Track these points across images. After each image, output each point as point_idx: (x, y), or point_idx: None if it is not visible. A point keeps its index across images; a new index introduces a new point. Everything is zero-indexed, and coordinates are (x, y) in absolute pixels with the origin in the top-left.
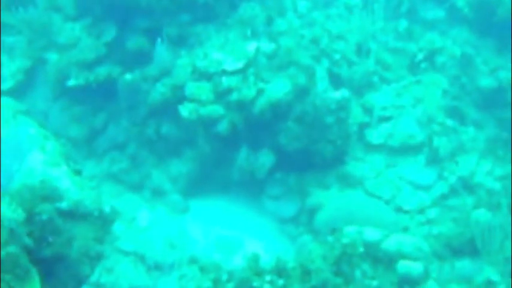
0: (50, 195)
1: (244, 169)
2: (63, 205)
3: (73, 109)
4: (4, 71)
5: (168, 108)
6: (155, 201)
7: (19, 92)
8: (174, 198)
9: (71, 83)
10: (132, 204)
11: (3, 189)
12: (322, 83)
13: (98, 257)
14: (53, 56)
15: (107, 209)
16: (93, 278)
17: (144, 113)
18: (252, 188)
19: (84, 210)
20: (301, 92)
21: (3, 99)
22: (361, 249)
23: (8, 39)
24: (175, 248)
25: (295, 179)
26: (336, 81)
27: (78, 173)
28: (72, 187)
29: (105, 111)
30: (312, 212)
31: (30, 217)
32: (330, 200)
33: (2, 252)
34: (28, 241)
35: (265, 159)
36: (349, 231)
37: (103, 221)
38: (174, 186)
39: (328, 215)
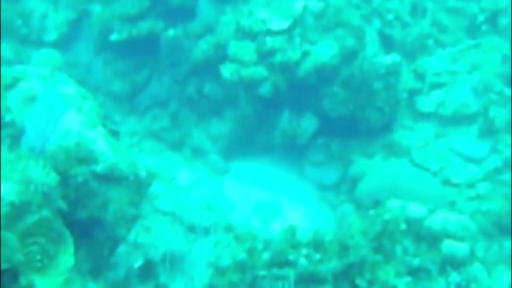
0: (86, 157)
1: (286, 133)
2: (99, 168)
3: (116, 64)
4: (49, 22)
5: (210, 67)
6: (195, 160)
7: (63, 44)
8: (213, 159)
9: (114, 37)
10: (172, 162)
11: (38, 151)
12: (372, 46)
13: (134, 220)
14: (97, 8)
15: (142, 172)
16: (131, 237)
17: (186, 71)
18: (293, 152)
19: (120, 173)
20: (349, 55)
21: (47, 51)
22: (404, 226)
23: None
24: (213, 211)
25: (338, 145)
26: (387, 43)
27: (115, 134)
28: (108, 150)
29: (147, 67)
30: (354, 180)
31: (65, 179)
32: (373, 169)
33: (36, 216)
34: (62, 204)
35: (308, 123)
36: (392, 205)
37: (138, 185)
38: (214, 146)
39: (370, 185)
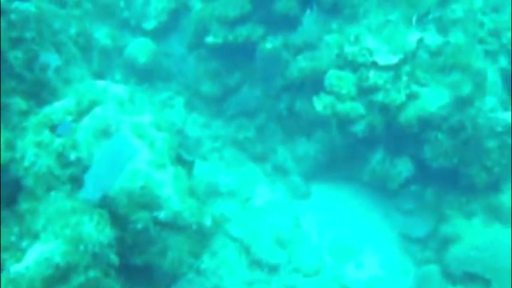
0: (149, 203)
1: (377, 173)
2: (161, 215)
3: (208, 63)
4: (150, 9)
5: (304, 85)
6: (275, 178)
7: (159, 33)
8: (295, 180)
9: (209, 40)
10: (252, 176)
11: (99, 196)
12: (491, 98)
13: (192, 268)
14: (197, 4)
15: (207, 221)
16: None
17: (279, 86)
18: (381, 193)
19: (183, 222)
20: (462, 104)
21: (143, 41)
22: None
23: None
24: (285, 247)
25: (432, 195)
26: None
27: (189, 165)
28: (174, 195)
29: (240, 70)
30: (446, 240)
31: (124, 225)
32: (470, 232)
33: (82, 278)
34: (114, 259)
35: (403, 167)
36: None
37: (201, 235)
38: (297, 166)
39: (464, 252)
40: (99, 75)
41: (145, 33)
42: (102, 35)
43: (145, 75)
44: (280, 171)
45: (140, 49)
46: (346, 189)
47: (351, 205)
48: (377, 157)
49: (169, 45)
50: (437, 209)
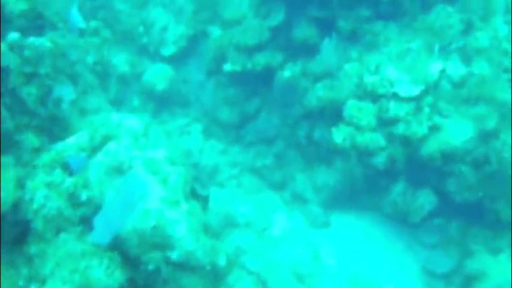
0: (161, 243)
1: (398, 206)
2: (174, 255)
3: (227, 90)
4: (168, 35)
5: (324, 113)
6: (294, 206)
7: (178, 59)
8: (314, 210)
9: (227, 68)
10: (270, 204)
11: (111, 236)
12: None
13: None
14: (215, 31)
15: (222, 261)
16: None
17: (298, 114)
18: (403, 224)
19: (196, 262)
20: (487, 137)
21: (161, 66)
22: None
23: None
24: (303, 280)
25: (457, 229)
26: None
27: (204, 199)
28: (187, 234)
29: (259, 96)
30: (471, 277)
31: (135, 265)
32: (497, 270)
33: None
34: None
35: (425, 200)
36: None
37: (215, 275)
38: (316, 195)
39: None
40: (117, 103)
41: (163, 59)
42: (120, 61)
43: (164, 102)
44: (298, 199)
45: (158, 75)
46: (366, 220)
47: (371, 236)
48: (398, 188)
49: (188, 71)
50: (462, 243)
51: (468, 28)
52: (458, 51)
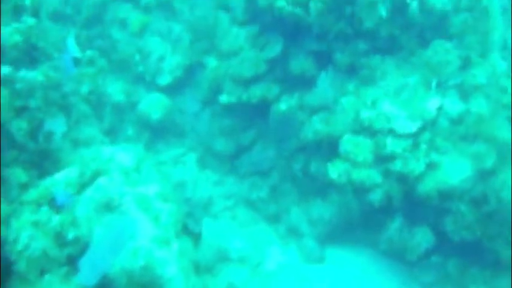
0: (150, 284)
1: (394, 243)
2: None
3: (222, 121)
4: (165, 65)
5: (320, 147)
6: (289, 240)
7: (175, 89)
8: (309, 244)
9: (223, 99)
10: (264, 237)
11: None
12: None
13: None
14: (212, 62)
15: None
16: None
17: (293, 146)
18: (400, 261)
19: None
20: (485, 175)
21: (157, 96)
22: None
23: (176, 28)
24: None
25: (455, 267)
26: None
27: (196, 236)
28: (178, 275)
29: (254, 128)
30: None
31: None
32: None
33: None
34: None
35: (422, 238)
36: None
37: None
38: (311, 229)
39: None
40: (111, 132)
41: (159, 88)
42: (116, 90)
43: (159, 131)
44: (293, 233)
45: (154, 105)
46: (362, 255)
47: (367, 273)
48: (395, 225)
49: (183, 101)
50: (460, 283)
51: (466, 64)
52: (456, 87)
